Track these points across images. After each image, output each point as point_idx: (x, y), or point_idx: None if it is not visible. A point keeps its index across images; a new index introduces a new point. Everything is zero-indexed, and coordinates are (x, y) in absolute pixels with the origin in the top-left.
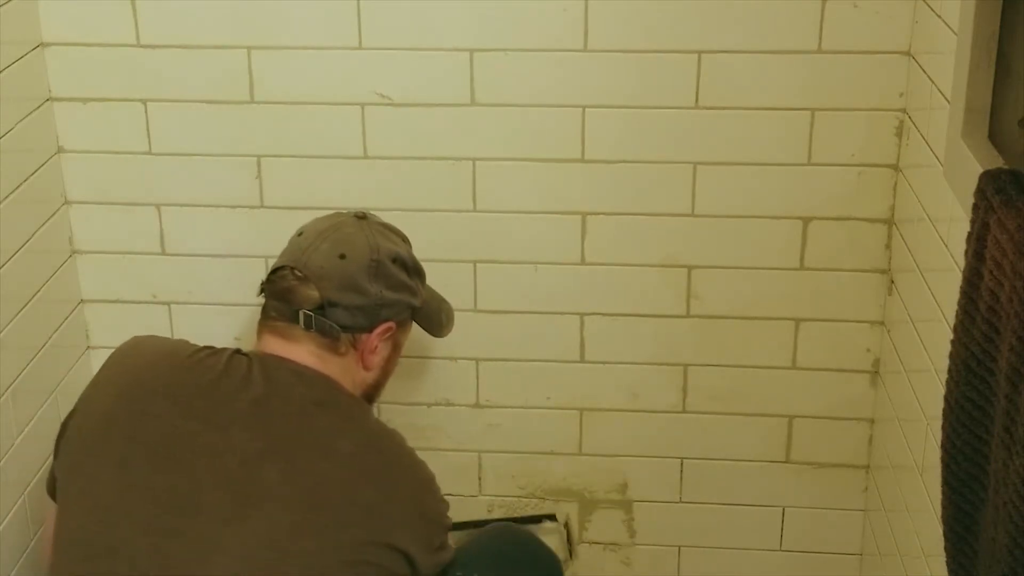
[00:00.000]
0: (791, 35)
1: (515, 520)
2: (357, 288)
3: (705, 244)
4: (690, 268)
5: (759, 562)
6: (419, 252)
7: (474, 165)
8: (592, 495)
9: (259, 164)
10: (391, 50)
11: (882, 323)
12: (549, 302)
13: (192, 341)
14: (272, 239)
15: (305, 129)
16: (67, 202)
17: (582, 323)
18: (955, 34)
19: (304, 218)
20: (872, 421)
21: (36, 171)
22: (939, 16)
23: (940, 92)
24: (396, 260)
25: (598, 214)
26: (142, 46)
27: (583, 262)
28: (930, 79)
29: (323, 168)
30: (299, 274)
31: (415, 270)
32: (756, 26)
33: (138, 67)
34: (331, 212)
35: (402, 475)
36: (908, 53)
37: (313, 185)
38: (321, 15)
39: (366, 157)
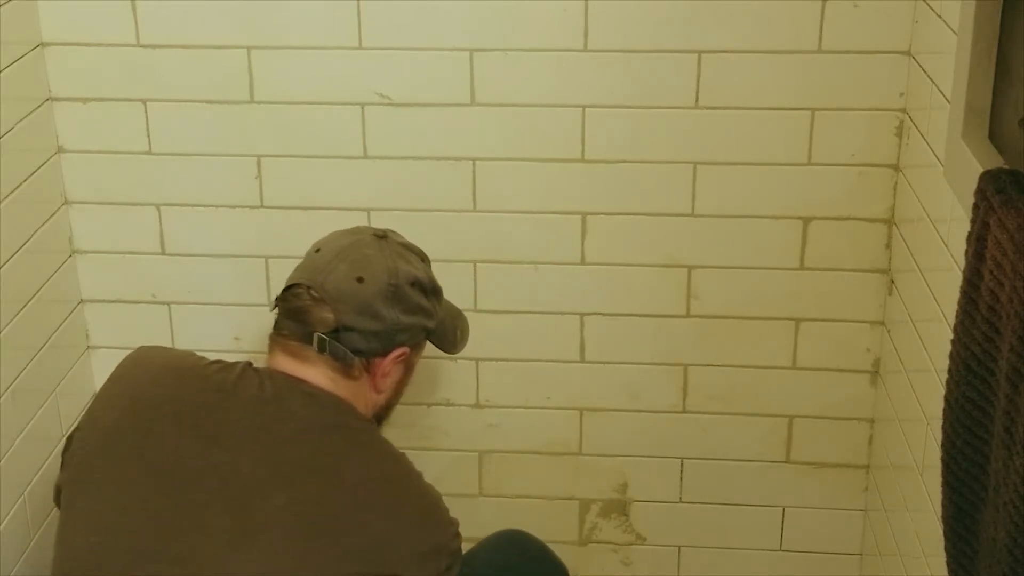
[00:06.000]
0: (791, 35)
1: None
2: (374, 313)
3: (705, 244)
4: (690, 268)
5: (759, 562)
6: None
7: (474, 165)
8: (592, 495)
9: (259, 164)
10: (391, 50)
11: (882, 323)
12: (549, 302)
13: (192, 341)
14: (272, 239)
15: (305, 129)
16: (67, 202)
17: (582, 323)
18: (955, 34)
19: (304, 218)
20: (872, 421)
21: (36, 171)
22: (939, 16)
23: (940, 92)
24: (415, 283)
25: (598, 214)
26: (142, 46)
27: (583, 262)
28: (930, 79)
29: (323, 168)
30: (315, 294)
31: (433, 291)
32: (756, 26)
33: (138, 67)
34: (351, 227)
35: (408, 503)
36: (908, 53)
37: (313, 185)
38: (321, 15)
39: (366, 157)
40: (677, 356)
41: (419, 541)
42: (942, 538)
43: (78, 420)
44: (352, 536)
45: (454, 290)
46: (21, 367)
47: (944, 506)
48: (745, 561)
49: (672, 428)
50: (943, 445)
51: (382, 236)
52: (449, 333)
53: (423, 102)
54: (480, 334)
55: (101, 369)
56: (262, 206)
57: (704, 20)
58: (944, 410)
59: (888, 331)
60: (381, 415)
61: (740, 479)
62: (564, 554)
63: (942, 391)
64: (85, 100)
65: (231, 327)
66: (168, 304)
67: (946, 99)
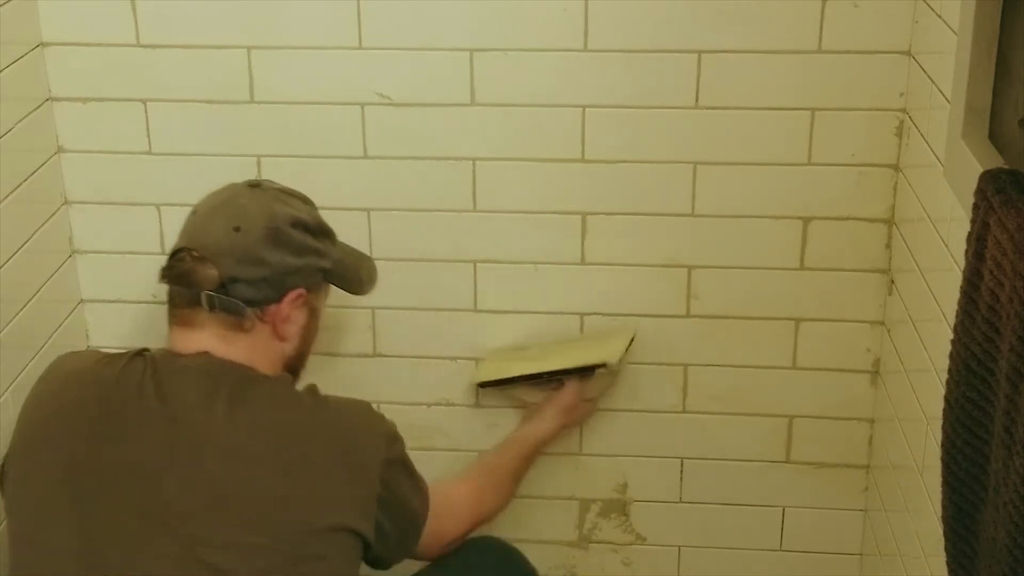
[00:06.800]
0: (791, 35)
1: (567, 371)
2: (257, 260)
3: (705, 244)
4: (690, 268)
5: (759, 562)
6: (419, 252)
7: (474, 165)
8: (592, 495)
9: (259, 164)
10: (391, 50)
11: (882, 323)
12: (549, 302)
13: None
14: None
15: (305, 129)
16: (67, 202)
17: (582, 323)
18: (955, 34)
19: None
20: (872, 421)
21: (36, 171)
22: (939, 16)
23: (940, 92)
24: (296, 224)
25: (598, 214)
26: (142, 46)
27: (583, 262)
28: (930, 79)
29: (323, 168)
30: (196, 254)
31: (320, 230)
32: (756, 26)
33: (138, 67)
34: (224, 185)
35: (314, 442)
36: (908, 53)
37: (313, 185)
38: (321, 15)
39: (366, 157)
40: (677, 356)
41: (340, 478)
42: (942, 538)
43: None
44: (258, 505)
45: (454, 290)
46: (21, 367)
47: (944, 506)
48: (745, 561)
49: (672, 428)
50: (943, 445)
51: (256, 185)
52: (352, 273)
53: (423, 102)
54: (480, 334)
55: None
56: None
57: (704, 20)
58: (944, 410)
59: (888, 331)
60: (295, 365)
61: (740, 479)
62: (564, 554)
63: (942, 391)
64: (85, 100)
65: None
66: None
67: (946, 99)
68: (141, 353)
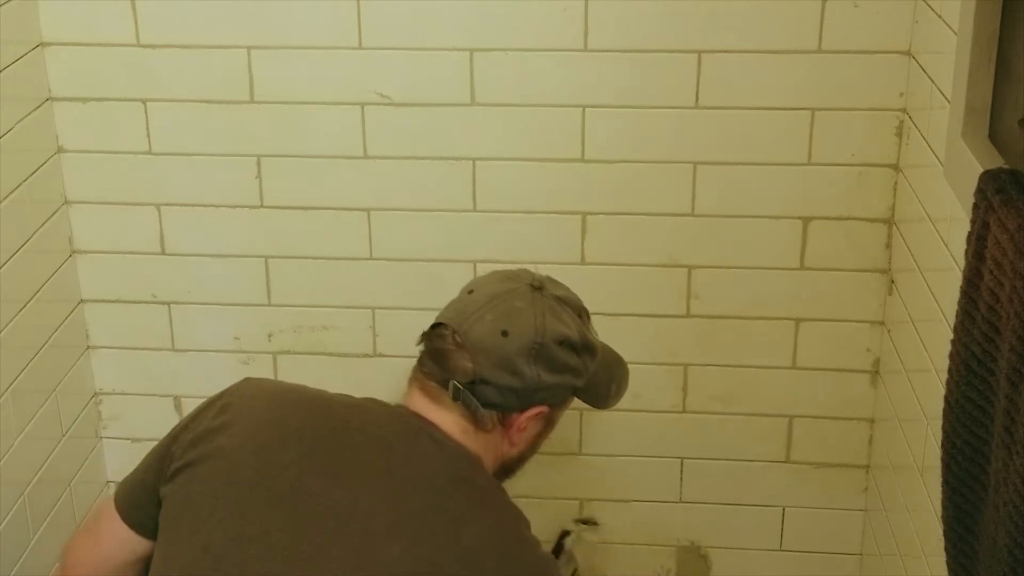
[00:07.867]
0: (791, 35)
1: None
2: (513, 370)
3: (705, 244)
4: (690, 268)
5: (759, 562)
6: (419, 252)
7: (474, 165)
8: (592, 495)
9: (259, 164)
10: (391, 50)
11: (882, 323)
12: None
13: (192, 341)
14: (272, 239)
15: (305, 129)
16: (67, 202)
17: None
18: (955, 34)
19: (304, 218)
20: (872, 421)
21: (36, 171)
22: (939, 16)
23: (940, 92)
24: (563, 343)
25: (598, 214)
26: (142, 46)
27: (583, 262)
28: (930, 79)
29: (323, 168)
30: (458, 340)
31: (584, 347)
32: (756, 26)
33: (138, 67)
34: (511, 271)
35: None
36: (908, 53)
37: (313, 185)
38: (321, 15)
39: (366, 157)
40: (677, 356)
41: None
42: (942, 538)
43: (179, 430)
44: None
45: (454, 290)
46: (21, 367)
47: (944, 506)
48: (745, 561)
49: (672, 428)
50: (943, 445)
51: (538, 287)
52: (602, 388)
53: (423, 102)
54: None
55: (101, 369)
56: (262, 206)
57: (704, 20)
58: (944, 410)
59: (888, 331)
60: (511, 467)
61: (740, 479)
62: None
63: (942, 391)
64: (85, 100)
65: (231, 327)
66: (168, 304)
67: (946, 99)
68: (381, 403)
